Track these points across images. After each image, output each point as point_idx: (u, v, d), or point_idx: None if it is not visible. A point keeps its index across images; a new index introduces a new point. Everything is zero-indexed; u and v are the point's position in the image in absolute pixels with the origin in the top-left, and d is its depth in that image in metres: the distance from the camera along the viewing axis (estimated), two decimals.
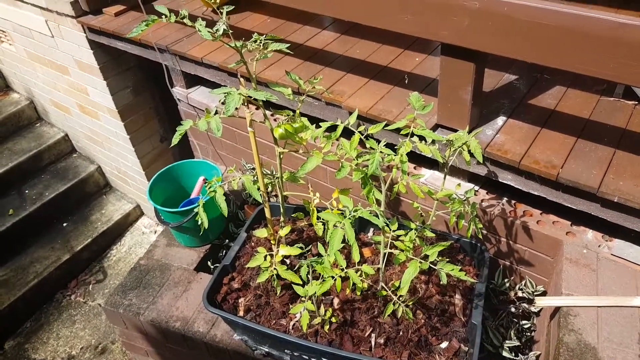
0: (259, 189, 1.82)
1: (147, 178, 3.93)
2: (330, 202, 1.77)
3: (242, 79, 1.59)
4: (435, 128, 1.95)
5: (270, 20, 2.71)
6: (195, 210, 2.37)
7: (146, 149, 3.83)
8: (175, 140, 1.64)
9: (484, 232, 2.10)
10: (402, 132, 1.61)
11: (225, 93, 1.44)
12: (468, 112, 1.77)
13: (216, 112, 1.60)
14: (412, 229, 1.65)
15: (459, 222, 1.80)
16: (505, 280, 2.13)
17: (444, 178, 1.81)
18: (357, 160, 1.51)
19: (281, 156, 1.72)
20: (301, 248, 1.98)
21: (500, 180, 1.95)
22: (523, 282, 2.11)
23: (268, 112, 1.73)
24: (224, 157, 2.98)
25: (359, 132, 1.54)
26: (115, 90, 3.36)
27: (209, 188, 1.76)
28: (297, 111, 1.67)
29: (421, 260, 1.49)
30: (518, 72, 2.20)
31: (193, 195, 2.64)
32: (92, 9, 2.84)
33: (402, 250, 1.61)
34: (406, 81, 2.15)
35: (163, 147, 3.95)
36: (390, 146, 1.97)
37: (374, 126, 1.57)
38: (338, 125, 1.72)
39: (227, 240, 2.63)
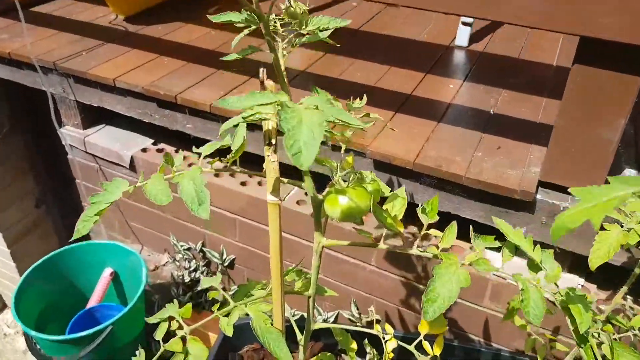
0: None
1: (13, 258, 2.74)
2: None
3: (269, 84, 0.70)
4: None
5: (215, 33, 1.88)
6: (105, 331, 1.37)
7: (14, 218, 2.66)
8: (85, 229, 0.72)
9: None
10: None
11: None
12: (609, 160, 1.06)
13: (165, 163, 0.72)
14: None
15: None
16: None
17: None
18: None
19: (320, 251, 0.84)
20: None
21: None
22: None
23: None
24: (139, 232, 1.99)
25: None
26: None
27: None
28: (349, 159, 0.84)
29: None
30: None
31: (92, 303, 1.62)
32: None
33: None
34: (492, 112, 1.42)
35: (39, 214, 2.80)
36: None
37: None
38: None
39: None
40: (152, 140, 1.82)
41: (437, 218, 0.80)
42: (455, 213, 1.28)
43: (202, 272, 1.91)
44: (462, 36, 1.85)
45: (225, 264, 1.84)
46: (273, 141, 0.68)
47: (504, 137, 1.33)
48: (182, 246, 1.89)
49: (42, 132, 2.20)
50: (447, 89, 1.57)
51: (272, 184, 0.71)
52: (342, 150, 1.05)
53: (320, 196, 0.71)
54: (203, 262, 1.89)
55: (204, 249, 1.84)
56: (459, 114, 1.44)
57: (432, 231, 0.79)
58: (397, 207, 0.80)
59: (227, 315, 0.81)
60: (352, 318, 1.66)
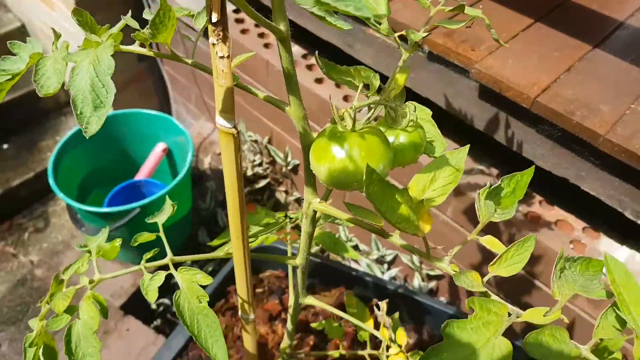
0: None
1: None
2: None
3: None
4: None
5: None
6: (132, 212, 1.26)
7: (117, 68, 2.65)
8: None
9: None
10: None
11: None
12: None
13: None
14: None
15: None
16: None
17: None
18: None
19: (312, 215, 0.56)
20: None
21: None
22: None
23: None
24: (213, 110, 1.82)
25: None
26: None
27: None
28: (399, 77, 0.50)
29: None
30: None
31: (140, 176, 1.51)
32: None
33: None
34: None
35: (141, 68, 2.76)
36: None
37: None
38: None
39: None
40: (234, 8, 1.55)
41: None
42: (575, 183, 0.89)
43: (265, 170, 1.72)
44: None
45: (289, 167, 1.62)
46: (215, 17, 0.37)
47: None
48: (249, 137, 1.69)
49: None
50: (625, 1, 1.05)
51: (222, 98, 0.41)
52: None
53: (313, 133, 0.41)
54: (268, 159, 1.69)
55: (269, 146, 1.63)
56: (631, 42, 0.96)
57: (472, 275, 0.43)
58: (437, 184, 0.45)
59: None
60: (411, 265, 1.39)
